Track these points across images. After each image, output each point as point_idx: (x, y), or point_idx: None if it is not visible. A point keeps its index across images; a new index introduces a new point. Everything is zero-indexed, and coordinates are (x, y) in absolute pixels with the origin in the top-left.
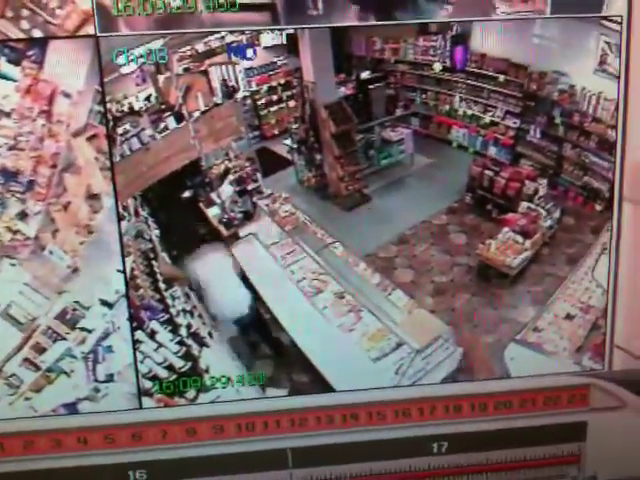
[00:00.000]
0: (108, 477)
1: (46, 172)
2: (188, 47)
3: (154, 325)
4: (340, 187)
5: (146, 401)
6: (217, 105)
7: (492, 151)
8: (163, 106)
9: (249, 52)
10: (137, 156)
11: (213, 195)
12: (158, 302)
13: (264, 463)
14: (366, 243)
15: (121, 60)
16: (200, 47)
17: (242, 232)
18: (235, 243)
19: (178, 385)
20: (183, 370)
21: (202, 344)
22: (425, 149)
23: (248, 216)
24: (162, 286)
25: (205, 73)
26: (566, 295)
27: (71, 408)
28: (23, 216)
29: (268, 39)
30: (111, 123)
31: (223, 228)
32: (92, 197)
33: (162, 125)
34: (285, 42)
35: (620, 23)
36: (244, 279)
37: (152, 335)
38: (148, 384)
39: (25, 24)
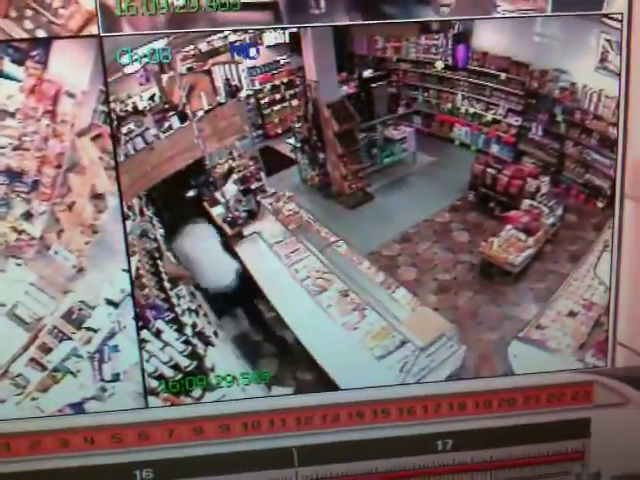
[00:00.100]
0: (114, 477)
1: (51, 172)
2: (191, 46)
3: (159, 324)
4: (343, 186)
5: (152, 400)
6: (220, 104)
7: (494, 149)
8: (167, 105)
9: (252, 51)
10: (141, 156)
11: (217, 194)
12: (163, 301)
13: (270, 461)
14: (369, 241)
15: (125, 60)
16: (203, 46)
17: (246, 231)
18: (239, 242)
19: (184, 384)
20: (189, 369)
21: (207, 343)
22: (428, 147)
23: (252, 215)
24: (167, 285)
25: (208, 72)
26: (569, 292)
27: (77, 408)
28: (28, 216)
29: (271, 38)
30: (115, 123)
31: (227, 227)
32: (97, 197)
33: (166, 124)
34: (288, 41)
35: (621, 21)
36: (228, 251)
37: (158, 334)
38: (154, 383)
39: (29, 24)
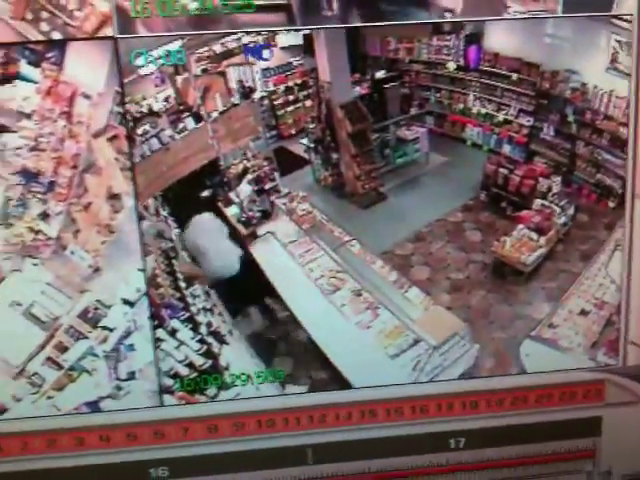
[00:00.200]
0: (129, 475)
1: (67, 173)
2: (206, 48)
3: (175, 323)
4: (356, 186)
5: (167, 399)
6: (235, 105)
7: (506, 149)
8: (182, 107)
9: (265, 53)
10: (157, 156)
11: (232, 194)
12: (178, 300)
13: (284, 460)
14: (383, 241)
15: (140, 61)
16: (217, 48)
17: (260, 231)
18: (253, 242)
19: (199, 382)
20: (204, 368)
21: (222, 342)
22: (440, 147)
23: (266, 215)
24: (182, 285)
25: (222, 74)
26: (580, 291)
27: (93, 406)
28: (44, 216)
29: (284, 40)
30: (131, 124)
31: (242, 227)
32: (113, 197)
33: (181, 125)
34: (301, 43)
35: (630, 22)
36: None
37: (173, 333)
38: (169, 382)
39: (44, 26)
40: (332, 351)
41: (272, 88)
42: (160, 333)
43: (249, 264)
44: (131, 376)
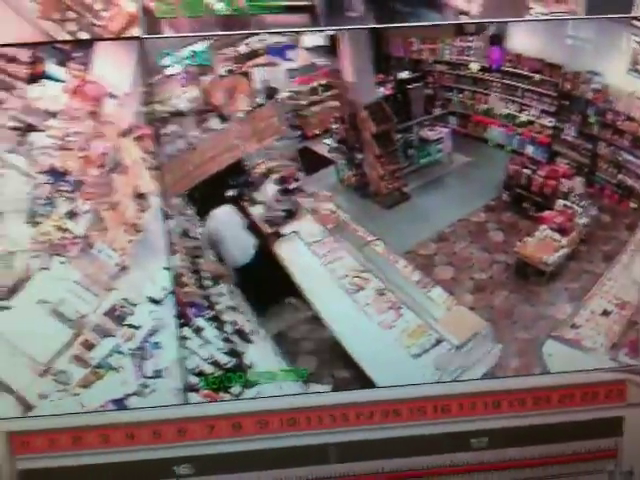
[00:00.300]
0: (154, 472)
1: (94, 172)
2: (231, 49)
3: (200, 322)
4: (380, 186)
5: (192, 396)
6: (259, 106)
7: (529, 149)
8: (207, 107)
9: (290, 53)
10: (183, 156)
11: (256, 194)
12: (204, 299)
13: (306, 458)
14: (406, 241)
15: (166, 62)
16: (242, 49)
17: (284, 230)
18: (278, 241)
19: (223, 381)
20: (228, 366)
21: (247, 340)
22: (463, 148)
23: (290, 215)
24: (208, 283)
25: (247, 74)
26: (602, 292)
27: (119, 404)
28: (72, 215)
29: (308, 40)
30: (157, 124)
31: (266, 226)
32: (139, 196)
33: (206, 125)
34: (325, 43)
35: None
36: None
37: (198, 332)
38: (194, 380)
39: (71, 26)
40: (355, 350)
41: (296, 88)
42: (185, 331)
43: (273, 263)
44: (157, 374)
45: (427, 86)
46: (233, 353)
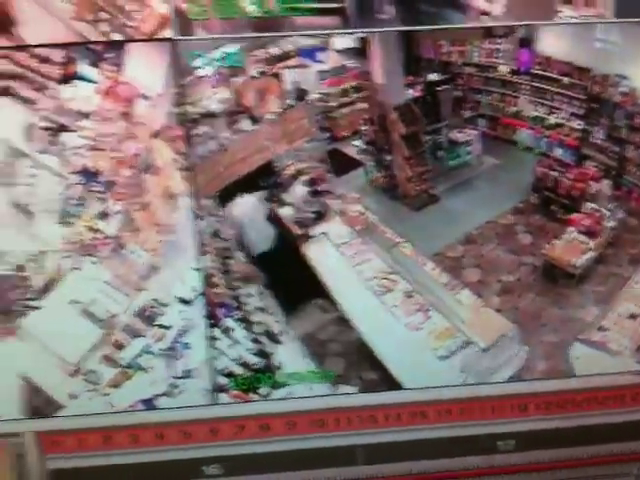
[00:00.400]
0: (183, 472)
1: (126, 172)
2: (262, 50)
3: (229, 322)
4: (409, 187)
5: (221, 397)
6: (290, 107)
7: (557, 152)
8: (238, 108)
9: (320, 55)
10: (214, 157)
11: (285, 195)
12: (233, 300)
13: (334, 459)
14: (434, 243)
15: (198, 63)
16: (273, 51)
17: (313, 232)
18: (307, 242)
19: (252, 381)
20: (257, 367)
21: (275, 341)
22: (492, 150)
23: (319, 216)
24: (237, 284)
25: (278, 76)
26: (630, 295)
27: (148, 404)
28: (103, 215)
29: (339, 42)
30: (188, 125)
31: (296, 227)
32: (170, 197)
33: (237, 127)
34: (355, 45)
35: None
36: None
37: (227, 332)
38: (223, 380)
39: (104, 27)
40: (383, 352)
41: (326, 90)
42: (215, 332)
43: (302, 264)
44: (186, 374)
45: (456, 88)
46: (262, 354)
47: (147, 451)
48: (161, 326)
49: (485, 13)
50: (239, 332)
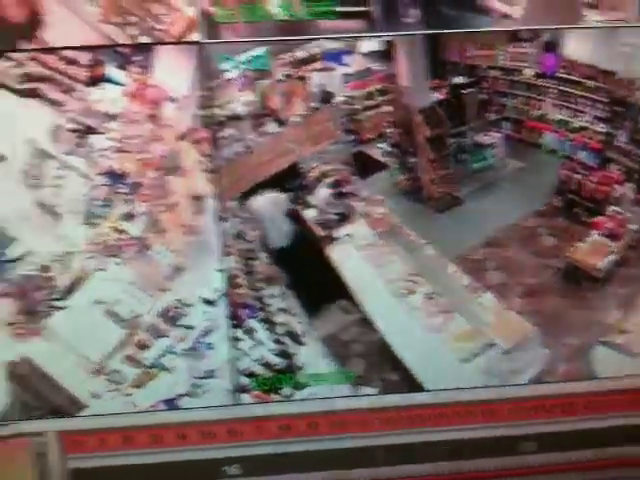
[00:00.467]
0: (204, 472)
1: (152, 174)
2: (288, 54)
3: (252, 323)
4: (433, 190)
5: (243, 397)
6: (315, 110)
7: (581, 155)
8: (264, 111)
9: (346, 58)
10: (240, 159)
11: (310, 197)
12: (256, 301)
13: (355, 461)
14: (457, 245)
15: (224, 66)
16: (299, 54)
17: (337, 234)
18: (330, 244)
19: (274, 382)
20: (279, 367)
21: (298, 342)
22: (516, 153)
23: (343, 218)
24: (260, 285)
25: (304, 79)
26: None
27: (170, 404)
28: (129, 217)
29: (364, 46)
30: (214, 127)
31: (319, 229)
32: (196, 199)
33: (263, 129)
34: (381, 48)
35: None
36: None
37: (250, 333)
38: (245, 381)
39: (132, 30)
40: (404, 354)
41: (352, 93)
42: (238, 332)
43: (325, 265)
44: (209, 374)
45: (481, 91)
46: (284, 354)
47: (168, 451)
48: (184, 326)
49: (505, 16)
50: (262, 333)
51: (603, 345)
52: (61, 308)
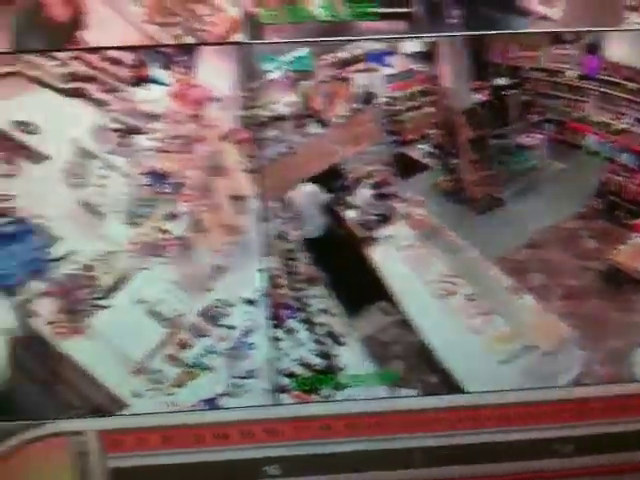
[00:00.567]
0: (243, 472)
1: (194, 174)
2: (331, 54)
3: (292, 323)
4: (474, 191)
5: (283, 397)
6: (357, 111)
7: (623, 157)
8: (307, 111)
9: (389, 59)
10: (282, 160)
11: (351, 198)
12: (297, 301)
13: (392, 462)
14: (498, 247)
15: (268, 67)
16: (342, 54)
17: (378, 234)
18: (371, 245)
19: (314, 382)
20: (319, 368)
21: (338, 343)
22: (558, 155)
23: (384, 219)
24: (301, 285)
25: (346, 80)
26: None
27: (211, 403)
28: (172, 217)
29: (407, 47)
30: (256, 127)
31: (360, 230)
32: (238, 199)
33: (305, 130)
34: (423, 49)
35: None
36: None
37: (290, 333)
38: (285, 381)
39: (176, 31)
40: (444, 355)
41: (394, 94)
42: (278, 333)
43: (365, 267)
44: (249, 374)
45: (524, 93)
46: (324, 355)
47: (208, 451)
48: (225, 326)
49: (545, 17)
50: (302, 333)
51: None
52: (104, 307)
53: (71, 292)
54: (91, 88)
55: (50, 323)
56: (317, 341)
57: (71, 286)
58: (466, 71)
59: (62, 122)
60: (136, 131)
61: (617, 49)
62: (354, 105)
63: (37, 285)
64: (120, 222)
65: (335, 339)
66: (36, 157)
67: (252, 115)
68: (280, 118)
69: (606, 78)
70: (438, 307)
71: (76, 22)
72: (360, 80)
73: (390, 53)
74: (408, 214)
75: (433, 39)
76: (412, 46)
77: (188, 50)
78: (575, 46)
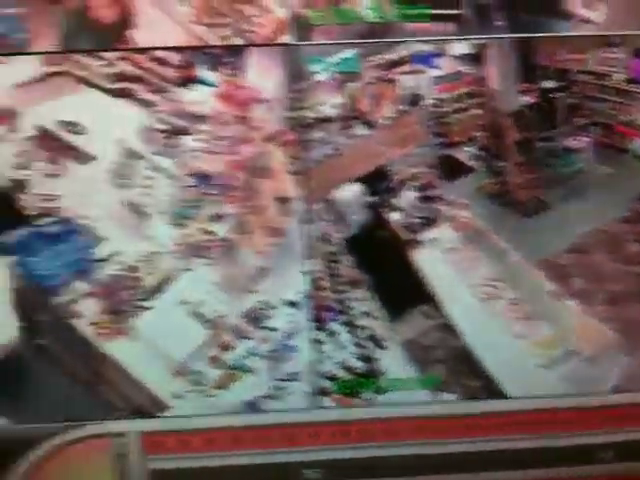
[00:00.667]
0: (284, 476)
1: (240, 176)
2: (378, 56)
3: (334, 326)
4: (520, 194)
5: (324, 400)
6: (404, 113)
7: None
8: (353, 113)
9: (436, 61)
10: (328, 161)
11: (395, 200)
12: (339, 304)
13: (435, 467)
14: (542, 250)
15: (315, 68)
16: (389, 56)
17: (422, 237)
18: (415, 248)
19: (355, 386)
20: (360, 371)
21: (380, 346)
22: (605, 158)
23: (429, 221)
24: (344, 288)
25: (393, 81)
26: None
27: (252, 406)
28: (216, 218)
29: (455, 48)
30: (301, 129)
31: (404, 232)
32: (282, 201)
33: (352, 132)
34: (471, 51)
35: None
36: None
37: (332, 336)
38: (326, 384)
39: (224, 32)
40: (486, 360)
41: (440, 96)
42: (320, 335)
43: (409, 270)
44: (290, 377)
45: (571, 96)
46: (365, 358)
47: (249, 454)
48: (268, 328)
49: (587, 20)
50: (344, 336)
51: None
52: (147, 308)
53: (115, 293)
54: (138, 88)
55: (93, 324)
56: (359, 344)
57: (115, 287)
58: (513, 73)
59: (109, 122)
60: (182, 132)
61: None
62: (400, 107)
63: (81, 286)
64: (165, 223)
65: (377, 342)
66: (82, 157)
67: (298, 117)
68: (326, 120)
69: None
70: (481, 311)
71: (124, 22)
72: (407, 82)
73: (438, 55)
74: (453, 217)
75: (482, 41)
76: (460, 48)
77: (235, 51)
78: (622, 49)
